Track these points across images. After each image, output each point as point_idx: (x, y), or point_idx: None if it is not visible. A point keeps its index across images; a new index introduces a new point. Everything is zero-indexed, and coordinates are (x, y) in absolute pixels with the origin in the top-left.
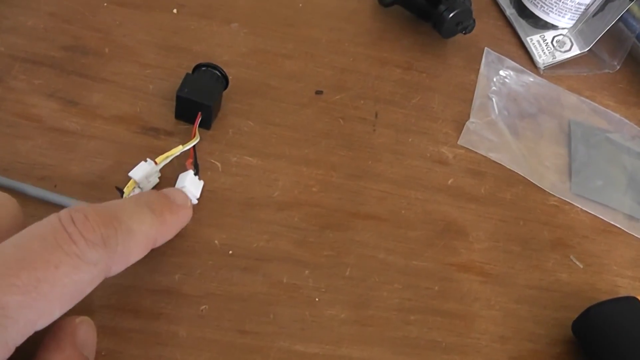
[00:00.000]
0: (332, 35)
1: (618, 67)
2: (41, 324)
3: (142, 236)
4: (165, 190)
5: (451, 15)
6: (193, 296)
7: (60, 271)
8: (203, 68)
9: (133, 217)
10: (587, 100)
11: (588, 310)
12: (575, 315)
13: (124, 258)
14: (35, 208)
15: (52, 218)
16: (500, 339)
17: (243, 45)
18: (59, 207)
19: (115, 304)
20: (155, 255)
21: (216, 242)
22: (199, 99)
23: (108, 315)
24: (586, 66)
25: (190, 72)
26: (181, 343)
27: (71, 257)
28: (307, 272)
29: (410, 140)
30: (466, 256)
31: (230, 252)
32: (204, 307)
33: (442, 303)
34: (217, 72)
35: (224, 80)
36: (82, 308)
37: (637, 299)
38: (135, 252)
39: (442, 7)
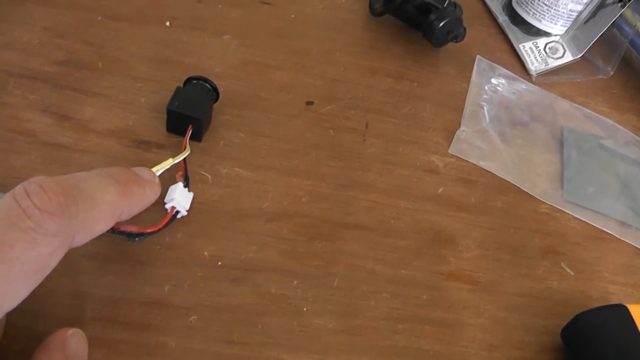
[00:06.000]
0: (323, 45)
1: (612, 73)
2: (7, 306)
3: (106, 205)
4: (132, 168)
5: (441, 24)
6: (182, 307)
7: (16, 250)
8: (194, 81)
9: (96, 186)
10: (580, 106)
11: (576, 318)
12: (565, 323)
13: (88, 227)
14: None
15: (8, 196)
16: (488, 347)
17: (234, 57)
18: None
19: (106, 315)
20: (145, 267)
21: (205, 253)
22: (189, 113)
23: (98, 327)
24: (579, 72)
25: (181, 85)
26: (170, 354)
27: (26, 233)
28: (295, 282)
29: (400, 149)
30: (455, 265)
31: (220, 263)
32: (193, 318)
33: (431, 312)
34: (208, 85)
35: (215, 93)
36: (73, 319)
37: (626, 307)
38: (100, 221)
39: (432, 17)
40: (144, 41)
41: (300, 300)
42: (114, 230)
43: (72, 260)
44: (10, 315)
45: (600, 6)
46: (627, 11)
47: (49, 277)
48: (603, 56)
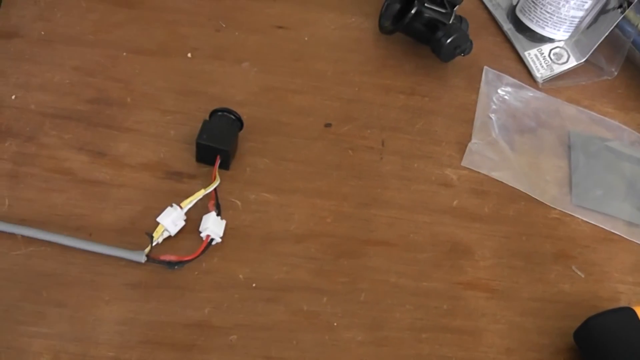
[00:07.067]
0: (337, 66)
1: (616, 73)
2: None
3: None
4: None
5: (448, 41)
6: (222, 327)
7: None
8: (219, 113)
9: None
10: (585, 110)
11: (587, 321)
12: (578, 324)
13: None
14: (73, 256)
15: None
16: (506, 351)
17: (254, 84)
18: (95, 254)
19: (153, 338)
20: (185, 292)
21: (240, 276)
22: (217, 145)
23: (147, 350)
24: (584, 75)
25: (207, 116)
26: None
27: None
28: (325, 299)
29: (415, 165)
30: (472, 274)
31: (254, 284)
32: (232, 337)
33: (451, 320)
34: (232, 116)
35: (239, 122)
36: (122, 344)
37: (633, 310)
38: None
39: (439, 34)
40: (168, 74)
41: (330, 315)
42: (154, 260)
43: (116, 289)
44: (63, 343)
45: (602, 12)
46: (630, 12)
47: (96, 306)
48: (607, 57)
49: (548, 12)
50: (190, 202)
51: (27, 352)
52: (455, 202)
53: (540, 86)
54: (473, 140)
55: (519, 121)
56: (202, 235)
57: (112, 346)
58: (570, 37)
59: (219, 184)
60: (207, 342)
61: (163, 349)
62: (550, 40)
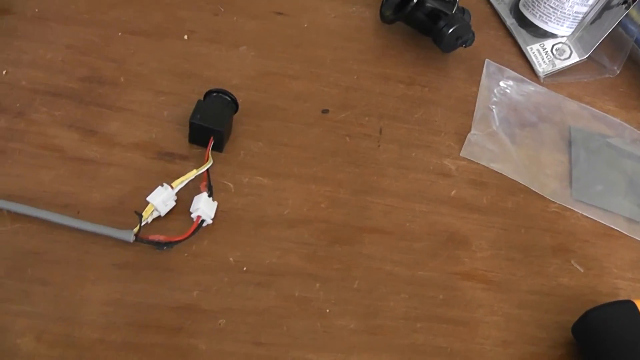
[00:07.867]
0: (336, 53)
1: (618, 72)
2: None
3: None
4: None
5: (450, 31)
6: (211, 311)
7: None
8: (214, 94)
9: None
10: (587, 106)
11: (586, 314)
12: (576, 318)
13: None
14: (60, 234)
15: None
16: (503, 344)
17: (251, 68)
18: (82, 232)
19: (139, 321)
20: (174, 274)
21: (231, 259)
22: (210, 125)
23: (132, 332)
24: (586, 72)
25: (201, 98)
26: (201, 356)
27: None
28: (317, 285)
29: (413, 154)
30: (469, 265)
31: (245, 268)
32: (221, 321)
33: (447, 311)
34: (227, 97)
35: (234, 104)
36: (107, 325)
37: (634, 303)
38: None
39: (441, 23)
40: (163, 55)
41: (322, 302)
42: (142, 240)
43: (103, 269)
44: (47, 323)
45: (606, 7)
46: (633, 10)
47: (82, 286)
48: (609, 55)
49: (552, 7)
50: (182, 182)
51: (10, 331)
52: (453, 192)
53: (541, 81)
54: (473, 132)
55: (520, 115)
56: (192, 216)
57: (96, 327)
58: (574, 32)
59: (212, 165)
60: (194, 325)
61: (149, 331)
62: (553, 35)
